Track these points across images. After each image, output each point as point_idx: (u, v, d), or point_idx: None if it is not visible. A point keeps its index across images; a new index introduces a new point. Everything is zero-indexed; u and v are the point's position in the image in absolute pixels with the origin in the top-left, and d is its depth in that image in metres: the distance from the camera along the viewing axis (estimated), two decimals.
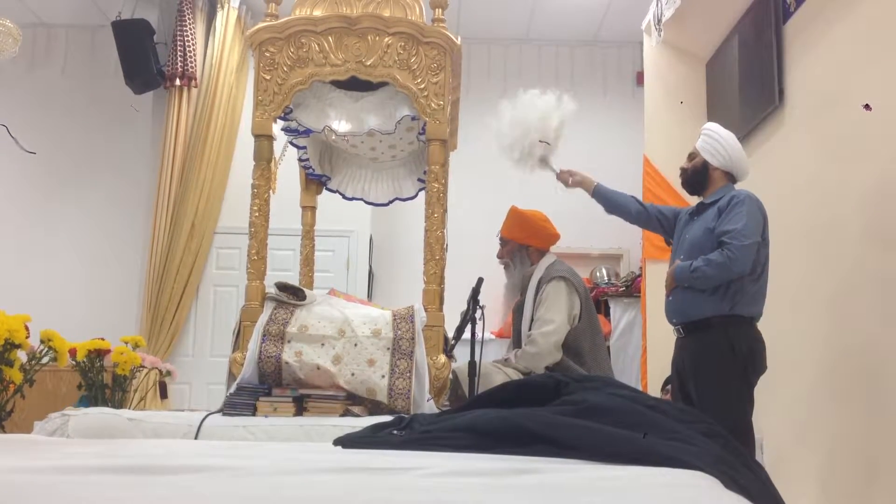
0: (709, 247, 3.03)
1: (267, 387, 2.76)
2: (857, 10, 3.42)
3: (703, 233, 3.08)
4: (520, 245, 3.64)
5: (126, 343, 3.57)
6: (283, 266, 5.55)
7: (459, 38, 3.13)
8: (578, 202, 6.22)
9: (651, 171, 5.27)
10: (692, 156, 3.27)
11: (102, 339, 3.46)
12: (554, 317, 3.39)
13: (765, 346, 3.01)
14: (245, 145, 5.98)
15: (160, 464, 1.39)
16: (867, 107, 3.21)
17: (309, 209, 4.00)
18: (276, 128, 3.14)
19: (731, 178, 3.20)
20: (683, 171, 3.30)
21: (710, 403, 2.86)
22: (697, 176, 3.23)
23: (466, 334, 3.07)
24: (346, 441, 1.88)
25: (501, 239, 3.71)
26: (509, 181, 6.58)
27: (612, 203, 3.47)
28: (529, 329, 3.46)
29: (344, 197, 3.98)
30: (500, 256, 3.72)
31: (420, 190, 3.79)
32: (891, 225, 3.09)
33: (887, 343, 3.03)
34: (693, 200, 3.42)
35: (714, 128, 3.27)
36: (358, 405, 2.77)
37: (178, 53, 6.17)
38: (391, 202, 3.99)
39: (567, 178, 3.50)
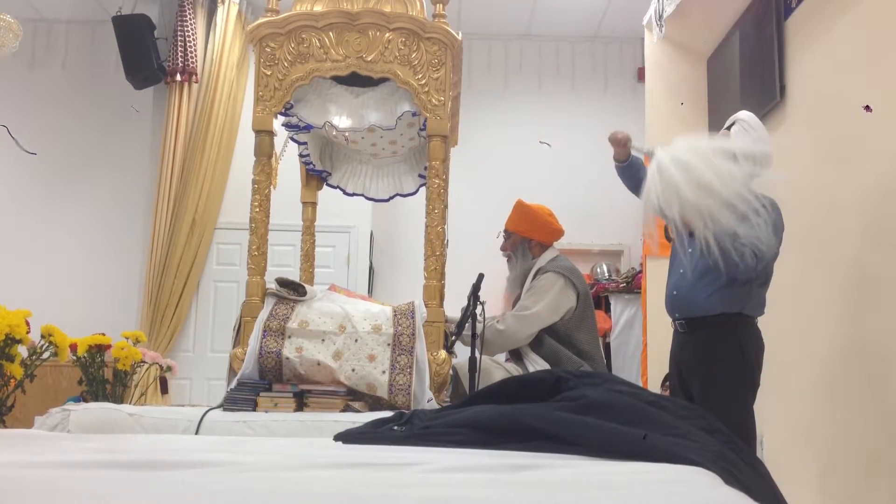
0: None
1: (267, 382, 2.77)
2: (858, 6, 3.41)
3: None
4: (522, 238, 3.62)
5: (127, 338, 3.57)
6: (283, 262, 5.55)
7: (460, 34, 3.13)
8: (579, 198, 6.31)
9: None
10: None
11: (103, 335, 3.47)
12: (533, 306, 3.35)
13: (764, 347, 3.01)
14: (246, 141, 5.97)
15: (161, 459, 1.39)
16: (868, 108, 3.19)
17: (309, 205, 4.00)
18: (277, 123, 3.14)
19: None
20: None
21: (714, 400, 2.82)
22: None
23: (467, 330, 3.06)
24: (347, 437, 1.88)
25: (505, 232, 3.69)
26: (510, 177, 6.62)
27: (632, 170, 3.22)
28: None
29: (345, 193, 3.97)
30: (503, 249, 3.71)
31: (421, 186, 3.79)
32: (891, 223, 3.08)
33: (888, 342, 3.02)
34: None
35: (757, 128, 3.01)
36: (358, 401, 2.77)
37: (179, 49, 6.16)
38: (392, 198, 3.98)
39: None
